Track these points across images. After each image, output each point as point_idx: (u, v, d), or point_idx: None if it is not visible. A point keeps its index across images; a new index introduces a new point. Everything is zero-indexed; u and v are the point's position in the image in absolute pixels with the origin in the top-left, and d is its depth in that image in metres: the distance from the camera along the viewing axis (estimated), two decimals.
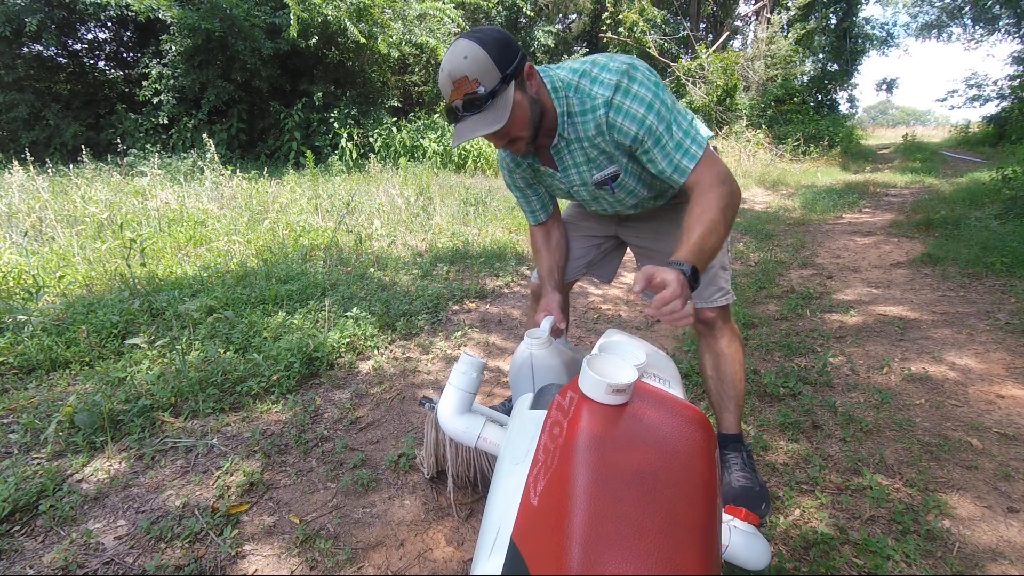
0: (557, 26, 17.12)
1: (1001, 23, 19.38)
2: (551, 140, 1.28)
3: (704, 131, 1.45)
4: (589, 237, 1.70)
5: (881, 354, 2.58)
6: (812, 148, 13.22)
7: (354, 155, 10.18)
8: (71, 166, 7.23)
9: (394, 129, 10.68)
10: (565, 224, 1.69)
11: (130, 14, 9.10)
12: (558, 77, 1.23)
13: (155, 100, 9.70)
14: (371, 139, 10.52)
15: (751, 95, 14.41)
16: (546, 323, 1.31)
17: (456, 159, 10.35)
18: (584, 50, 17.24)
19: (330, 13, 9.10)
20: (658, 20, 13.88)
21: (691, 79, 13.52)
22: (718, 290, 1.51)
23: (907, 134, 20.94)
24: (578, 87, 1.20)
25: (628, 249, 1.74)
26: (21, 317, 2.52)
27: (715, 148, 1.53)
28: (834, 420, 2.02)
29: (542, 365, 1.22)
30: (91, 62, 11.26)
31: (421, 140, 10.47)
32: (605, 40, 14.12)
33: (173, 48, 9.36)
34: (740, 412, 1.58)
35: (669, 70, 13.86)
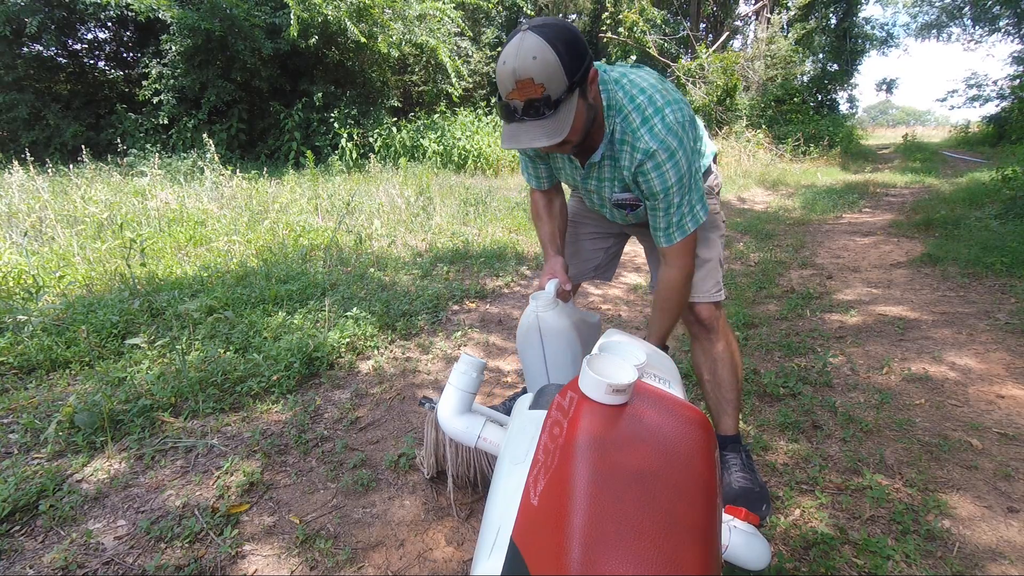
0: None
1: (1001, 23, 19.38)
2: (592, 144, 1.27)
3: (711, 147, 1.45)
4: (597, 237, 1.69)
5: (881, 354, 2.58)
6: (812, 148, 13.21)
7: (354, 155, 10.18)
8: (71, 166, 7.22)
9: (394, 129, 10.68)
10: (572, 227, 1.68)
11: (130, 14, 9.09)
12: (614, 96, 1.19)
13: (155, 100, 9.69)
14: (371, 139, 10.52)
15: (751, 95, 14.40)
16: (551, 286, 1.27)
17: (456, 159, 10.36)
18: None
19: (330, 13, 9.09)
20: (658, 20, 13.87)
21: (691, 79, 13.51)
22: (715, 284, 1.51)
23: (907, 134, 20.91)
24: (627, 117, 1.18)
25: (627, 245, 1.75)
26: (21, 317, 2.52)
27: (717, 172, 1.51)
28: (834, 420, 2.02)
29: (550, 328, 1.20)
30: (91, 62, 11.25)
31: (421, 140, 10.47)
32: (605, 40, 14.12)
33: (173, 48, 9.35)
34: (737, 414, 1.58)
35: (669, 70, 13.86)
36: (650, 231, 1.34)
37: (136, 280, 3.12)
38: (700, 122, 1.36)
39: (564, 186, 1.58)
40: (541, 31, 1.02)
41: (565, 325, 1.20)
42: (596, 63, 1.21)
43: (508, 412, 1.30)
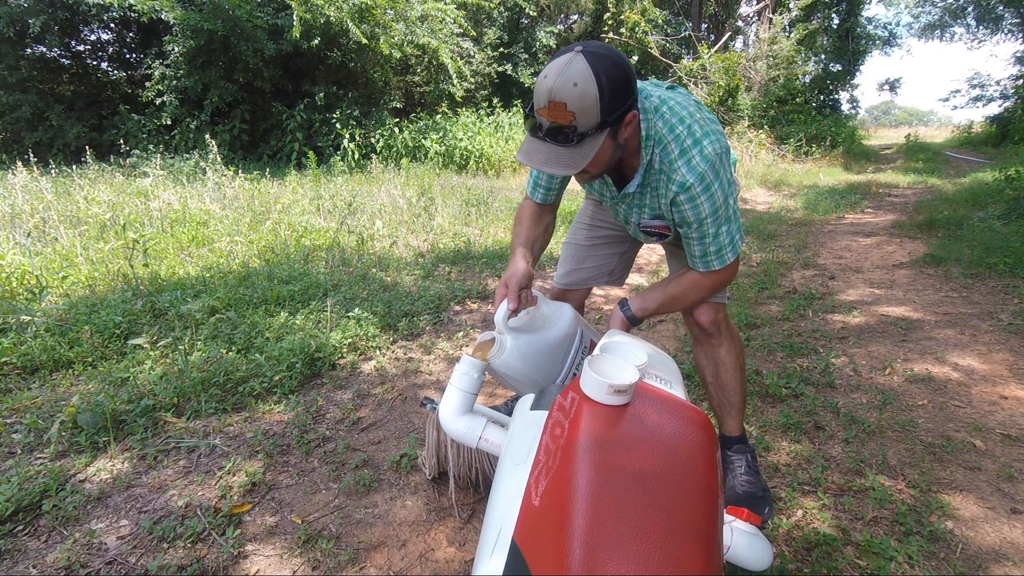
0: (559, 26, 17.12)
1: (1004, 23, 19.33)
2: (626, 172, 1.27)
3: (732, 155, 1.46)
4: (613, 242, 1.67)
5: (884, 355, 2.58)
6: (814, 148, 13.18)
7: (356, 156, 10.20)
8: (74, 167, 7.25)
9: (396, 130, 10.70)
10: (587, 230, 1.67)
11: (133, 15, 9.14)
12: (653, 126, 1.17)
13: (158, 101, 9.73)
14: (373, 140, 10.55)
15: (753, 95, 14.38)
16: (499, 313, 1.21)
17: (458, 160, 10.37)
18: None
19: (332, 14, 9.12)
20: (660, 20, 13.87)
21: (693, 79, 13.51)
22: None
23: (910, 134, 20.86)
24: (666, 148, 1.17)
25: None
26: (24, 317, 2.53)
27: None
28: (836, 421, 2.02)
29: (502, 373, 1.19)
30: (94, 63, 11.30)
31: (423, 141, 10.49)
32: (607, 41, 14.12)
33: (176, 49, 9.38)
34: (741, 415, 1.58)
35: (671, 71, 13.85)
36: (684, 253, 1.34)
37: (139, 280, 3.13)
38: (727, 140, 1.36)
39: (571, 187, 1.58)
40: (592, 59, 0.98)
41: (517, 364, 1.18)
42: (639, 81, 1.17)
43: (509, 413, 1.31)
